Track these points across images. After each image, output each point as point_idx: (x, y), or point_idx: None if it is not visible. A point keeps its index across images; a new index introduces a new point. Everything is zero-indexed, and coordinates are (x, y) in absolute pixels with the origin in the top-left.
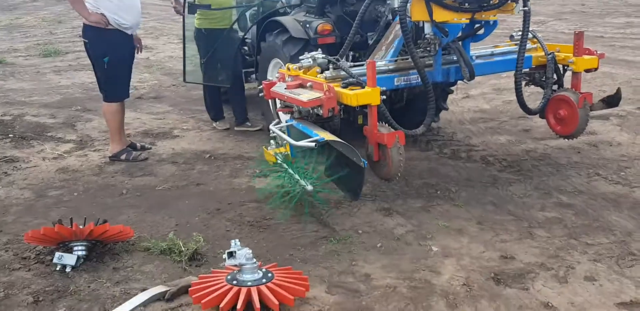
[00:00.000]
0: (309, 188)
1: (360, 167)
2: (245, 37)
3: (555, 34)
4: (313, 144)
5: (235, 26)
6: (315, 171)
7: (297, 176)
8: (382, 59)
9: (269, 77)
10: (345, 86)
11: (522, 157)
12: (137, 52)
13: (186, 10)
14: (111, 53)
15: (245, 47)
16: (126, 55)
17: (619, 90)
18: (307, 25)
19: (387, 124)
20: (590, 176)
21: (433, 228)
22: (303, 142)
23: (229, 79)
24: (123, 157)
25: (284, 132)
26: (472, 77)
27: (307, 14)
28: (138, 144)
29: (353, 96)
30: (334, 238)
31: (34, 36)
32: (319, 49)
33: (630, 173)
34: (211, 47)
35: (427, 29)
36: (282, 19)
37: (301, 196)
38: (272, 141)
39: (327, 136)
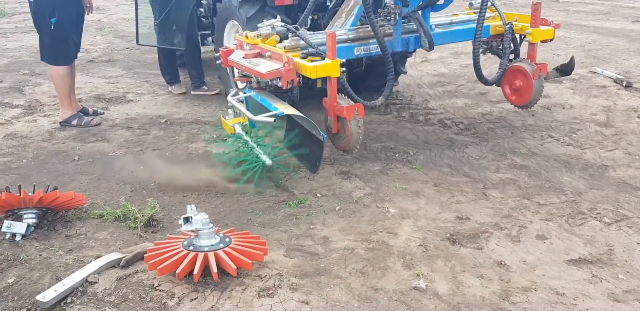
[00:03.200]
0: (269, 162)
1: (319, 140)
2: None
3: None
4: (272, 119)
5: None
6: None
7: (257, 149)
8: (342, 27)
9: (225, 39)
10: (305, 57)
11: (478, 120)
12: (87, 13)
13: None
14: (58, 13)
15: (201, 9)
16: (74, 15)
17: (572, 59)
18: None
19: (346, 96)
20: (543, 138)
21: (391, 191)
22: (262, 117)
23: (184, 41)
24: (74, 122)
25: (242, 104)
26: (431, 47)
27: None
28: (90, 109)
29: (312, 69)
30: (293, 202)
31: None
32: (277, 12)
33: (582, 135)
34: (165, 8)
35: None
36: None
37: (262, 170)
38: (229, 111)
39: (286, 109)
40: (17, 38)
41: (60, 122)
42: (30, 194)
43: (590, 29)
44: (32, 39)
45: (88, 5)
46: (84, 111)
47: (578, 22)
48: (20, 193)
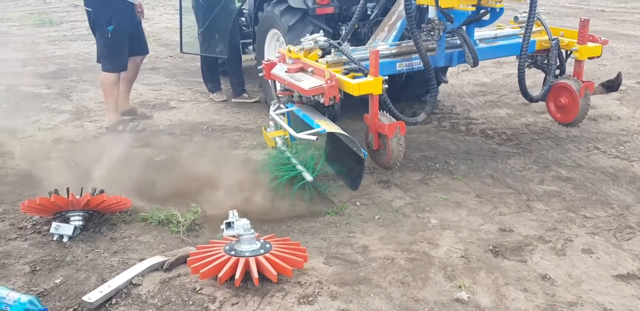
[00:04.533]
0: (310, 178)
1: (360, 157)
2: (243, 7)
3: (555, 7)
4: (315, 137)
5: None
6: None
7: (299, 166)
8: (384, 41)
9: (266, 48)
10: (347, 73)
11: (521, 130)
12: (140, 17)
13: None
14: (115, 21)
15: (243, 18)
16: (129, 22)
17: (619, 74)
18: None
19: (388, 113)
20: (589, 150)
21: (431, 201)
22: (304, 135)
23: (226, 50)
24: (120, 128)
25: (284, 118)
26: (475, 63)
27: None
28: (138, 110)
29: (355, 86)
30: (332, 210)
31: (28, 5)
32: (318, 21)
33: (629, 147)
34: (208, 18)
35: (432, 13)
36: None
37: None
38: (271, 123)
39: (328, 126)
40: (65, 46)
41: (106, 128)
42: (77, 196)
43: (638, 39)
44: (79, 47)
45: (140, 10)
46: (133, 111)
47: (624, 32)
48: (68, 195)
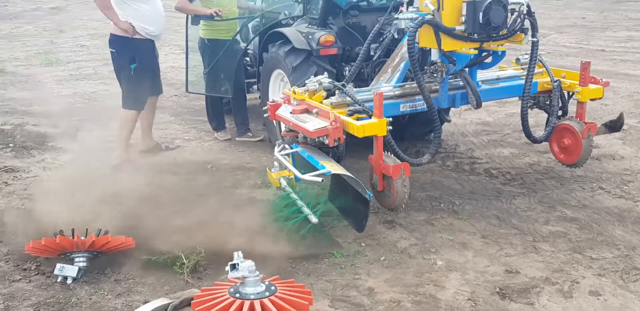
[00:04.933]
0: (315, 220)
1: (365, 199)
2: (248, 48)
3: (556, 47)
4: (320, 179)
5: (238, 37)
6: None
7: (304, 208)
8: (388, 82)
9: (270, 87)
10: (351, 114)
11: (525, 170)
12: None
13: (190, 21)
14: (139, 60)
15: (247, 58)
16: (151, 62)
17: (621, 115)
18: (310, 37)
19: (392, 154)
20: (593, 190)
21: (437, 242)
22: (310, 177)
23: (231, 89)
24: (126, 167)
25: (289, 159)
26: (479, 105)
27: (310, 26)
28: (162, 145)
29: (360, 127)
30: (337, 252)
31: (35, 45)
32: (322, 62)
33: (634, 187)
34: (214, 58)
35: (435, 55)
36: (284, 30)
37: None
38: (275, 163)
39: (333, 167)
40: (71, 85)
41: (113, 166)
42: (82, 237)
43: (638, 79)
44: (86, 86)
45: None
46: (158, 147)
47: (625, 71)
48: (73, 236)
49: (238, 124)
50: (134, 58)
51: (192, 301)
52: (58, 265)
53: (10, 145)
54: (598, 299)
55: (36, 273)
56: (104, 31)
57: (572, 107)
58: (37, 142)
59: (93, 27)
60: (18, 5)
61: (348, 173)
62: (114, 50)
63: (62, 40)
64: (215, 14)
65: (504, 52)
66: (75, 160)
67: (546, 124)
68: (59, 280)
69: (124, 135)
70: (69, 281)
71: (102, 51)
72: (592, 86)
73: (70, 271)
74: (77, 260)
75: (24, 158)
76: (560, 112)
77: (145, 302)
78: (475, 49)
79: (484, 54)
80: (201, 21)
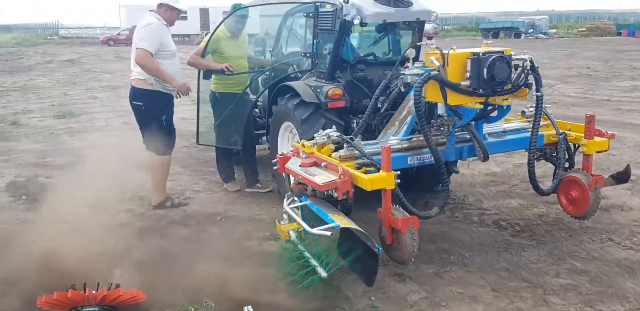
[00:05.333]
0: (324, 274)
1: (374, 253)
2: (257, 100)
3: (561, 97)
4: (329, 233)
5: (248, 90)
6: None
7: (313, 261)
8: (395, 135)
9: (279, 139)
10: (360, 167)
11: (534, 221)
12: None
13: (201, 75)
14: (167, 112)
15: (257, 110)
16: (173, 112)
17: (628, 166)
18: (318, 90)
19: (401, 207)
20: (603, 242)
21: (447, 295)
22: (318, 230)
23: (241, 141)
24: (168, 204)
25: (298, 211)
26: (486, 158)
27: (318, 79)
28: (176, 200)
29: (368, 181)
30: (347, 305)
31: (49, 97)
32: (330, 115)
33: None
34: (225, 110)
35: (441, 109)
36: (293, 83)
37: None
38: (284, 216)
39: (342, 221)
40: (84, 137)
41: (154, 206)
42: (94, 291)
43: None
44: (98, 138)
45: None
46: (170, 198)
47: (631, 121)
48: (85, 290)
49: (247, 175)
50: (163, 110)
51: None
52: None
53: (22, 197)
54: None
55: None
56: (116, 83)
57: (579, 158)
58: (49, 194)
59: (105, 79)
60: (32, 58)
61: (357, 227)
62: (140, 104)
63: (74, 92)
64: (226, 69)
65: (509, 107)
66: (87, 213)
67: (553, 176)
68: None
69: (162, 178)
70: None
71: (114, 103)
72: (597, 139)
73: None
74: None
75: (37, 210)
76: (567, 164)
77: None
78: (480, 103)
79: (490, 108)
80: (212, 75)
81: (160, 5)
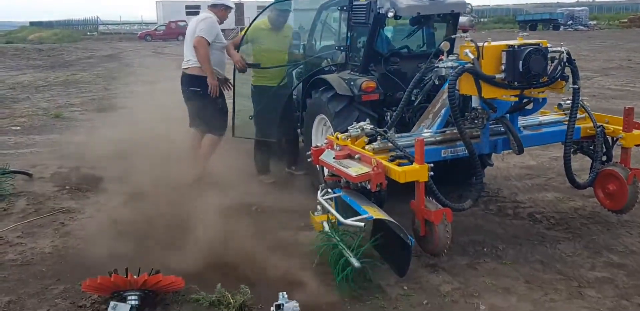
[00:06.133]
0: (357, 265)
1: (407, 244)
2: (292, 94)
3: (601, 90)
4: (362, 224)
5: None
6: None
7: (346, 252)
8: (429, 128)
9: (313, 132)
10: (393, 159)
11: (570, 215)
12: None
13: (237, 68)
14: (221, 96)
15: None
16: (225, 97)
17: None
18: (352, 83)
19: (434, 199)
20: None
21: (480, 286)
22: (352, 221)
23: (275, 133)
24: (205, 181)
25: (332, 203)
26: (520, 151)
27: (352, 72)
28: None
29: (401, 173)
30: (379, 295)
31: (89, 92)
32: (363, 107)
33: None
34: (260, 103)
35: (475, 102)
36: (327, 76)
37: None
38: (318, 207)
39: (375, 212)
40: (124, 129)
41: (193, 181)
42: (135, 276)
43: None
44: (137, 131)
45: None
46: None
47: None
48: (127, 275)
49: (288, 161)
50: (220, 95)
51: None
52: (111, 303)
53: (66, 187)
54: None
55: (91, 310)
56: (154, 78)
57: (616, 152)
58: (91, 184)
59: (143, 74)
60: (73, 53)
61: (390, 218)
62: (198, 89)
63: (114, 86)
64: (238, 65)
65: (545, 99)
66: (127, 202)
67: (590, 169)
68: None
69: (209, 155)
70: None
71: (152, 97)
72: (636, 132)
73: (123, 309)
74: (129, 298)
75: (79, 199)
76: (604, 158)
77: None
78: (515, 96)
79: (525, 101)
80: (250, 69)
81: (217, 5)
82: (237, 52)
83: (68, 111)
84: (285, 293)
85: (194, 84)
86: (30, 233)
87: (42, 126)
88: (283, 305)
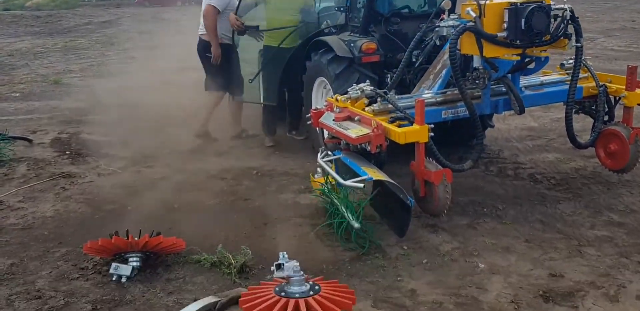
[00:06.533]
0: (357, 225)
1: (407, 205)
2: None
3: (604, 51)
4: (361, 185)
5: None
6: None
7: (346, 214)
8: (430, 89)
9: (313, 95)
10: (393, 121)
11: (571, 175)
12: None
13: (235, 32)
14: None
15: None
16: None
17: None
18: (352, 45)
19: (434, 160)
20: None
21: (480, 245)
22: (351, 183)
23: (275, 97)
24: (244, 135)
25: (331, 165)
26: (522, 111)
27: (352, 34)
28: (244, 133)
29: (401, 134)
30: (379, 254)
31: (88, 58)
32: (364, 69)
33: None
34: (259, 66)
35: (477, 62)
36: (327, 38)
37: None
38: (318, 169)
39: (375, 173)
40: (123, 95)
41: (233, 136)
42: (136, 238)
43: None
44: (137, 97)
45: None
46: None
47: None
48: (127, 237)
49: (290, 124)
50: (231, 58)
51: (239, 299)
52: (113, 264)
53: (66, 152)
54: None
55: (93, 272)
56: (153, 43)
57: (619, 112)
58: (91, 149)
59: (142, 40)
60: (71, 20)
61: (390, 179)
62: (211, 55)
63: (113, 53)
64: (234, 27)
65: (547, 58)
66: (128, 166)
67: (592, 129)
68: (114, 279)
69: (237, 114)
70: (124, 279)
71: (152, 63)
72: (639, 90)
73: (125, 270)
74: (130, 259)
75: (80, 164)
76: (606, 118)
77: (195, 300)
78: (517, 55)
79: (527, 60)
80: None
81: None
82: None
83: (67, 77)
84: (285, 252)
85: (208, 51)
86: (31, 197)
87: (41, 92)
88: (283, 264)
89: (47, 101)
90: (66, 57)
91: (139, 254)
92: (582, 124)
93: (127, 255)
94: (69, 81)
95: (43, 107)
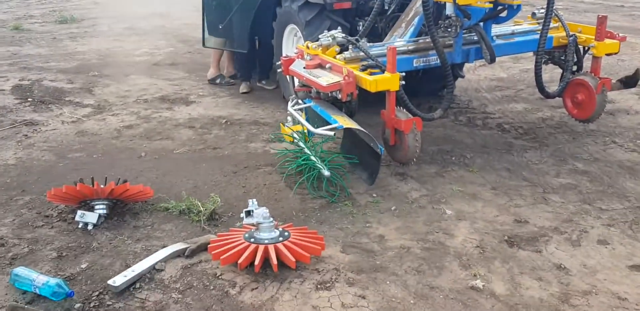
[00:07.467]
0: (327, 173)
1: (377, 153)
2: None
3: (574, 3)
4: (332, 133)
5: None
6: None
7: (315, 161)
8: (402, 37)
9: (284, 43)
10: (364, 69)
11: (538, 125)
12: None
13: None
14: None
15: None
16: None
17: (637, 71)
18: None
19: (404, 109)
20: (606, 144)
21: (447, 193)
22: (322, 131)
23: (246, 44)
24: (217, 81)
25: (302, 113)
26: (493, 60)
27: None
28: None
29: (372, 82)
30: (349, 201)
31: (50, 3)
32: (335, 16)
33: None
34: (229, 13)
35: (449, 9)
36: None
37: (317, 176)
38: (289, 118)
39: (346, 122)
40: (86, 42)
41: (208, 80)
42: (102, 186)
43: None
44: (100, 43)
45: None
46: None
47: None
48: (93, 184)
49: (259, 73)
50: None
51: (208, 246)
52: (79, 212)
53: (29, 100)
54: (606, 247)
55: (58, 219)
56: None
57: (587, 63)
58: (54, 97)
59: None
60: None
61: (360, 127)
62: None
63: None
64: None
65: (519, 6)
66: (92, 114)
67: (560, 79)
68: (80, 226)
69: (217, 57)
70: (90, 227)
71: (115, 8)
72: (608, 41)
73: (91, 217)
74: (97, 207)
75: (43, 112)
76: (575, 68)
77: (164, 247)
78: (490, 2)
79: (499, 8)
80: None
81: None
82: None
83: (27, 22)
84: (255, 199)
85: None
86: None
87: (0, 38)
88: (253, 211)
89: (7, 46)
90: (27, 2)
91: (106, 202)
92: (551, 75)
93: (93, 203)
94: (29, 26)
95: (3, 53)
